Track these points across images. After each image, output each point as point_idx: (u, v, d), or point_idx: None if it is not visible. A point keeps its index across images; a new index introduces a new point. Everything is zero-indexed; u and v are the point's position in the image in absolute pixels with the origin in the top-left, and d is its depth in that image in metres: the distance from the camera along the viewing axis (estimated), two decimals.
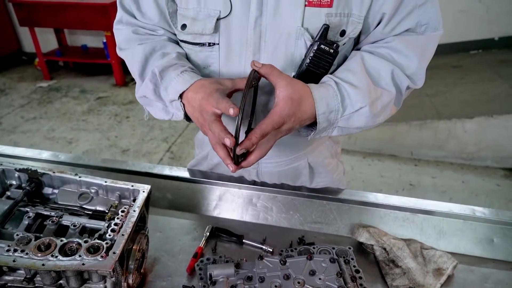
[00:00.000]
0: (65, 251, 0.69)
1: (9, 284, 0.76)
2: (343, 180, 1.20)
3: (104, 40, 4.61)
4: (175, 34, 0.94)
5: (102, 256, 0.68)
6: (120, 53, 0.98)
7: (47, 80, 4.94)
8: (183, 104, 0.84)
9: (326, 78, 0.84)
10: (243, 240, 0.96)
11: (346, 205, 1.03)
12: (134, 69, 0.92)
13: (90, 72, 5.12)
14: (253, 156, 0.79)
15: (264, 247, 0.94)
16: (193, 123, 0.92)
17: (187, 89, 0.81)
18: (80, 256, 0.68)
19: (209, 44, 0.86)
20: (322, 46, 0.78)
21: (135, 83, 0.96)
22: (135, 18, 0.94)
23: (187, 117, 0.88)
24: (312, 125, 0.83)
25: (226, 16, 0.82)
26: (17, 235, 0.71)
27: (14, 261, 0.66)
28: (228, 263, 0.85)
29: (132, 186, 0.87)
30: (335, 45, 0.79)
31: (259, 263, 0.83)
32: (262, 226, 1.04)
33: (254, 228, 1.02)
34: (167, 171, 1.14)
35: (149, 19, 0.93)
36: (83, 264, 0.67)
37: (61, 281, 0.76)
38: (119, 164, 1.15)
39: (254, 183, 1.12)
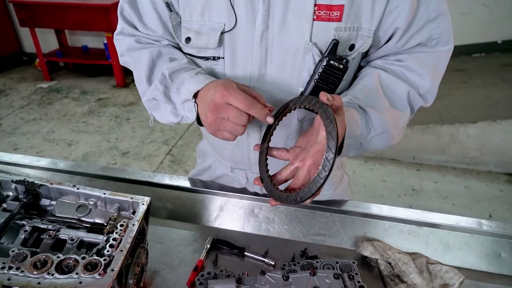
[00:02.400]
0: (62, 268, 0.67)
1: None
2: (347, 191, 1.18)
3: (105, 41, 4.59)
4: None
5: (100, 274, 0.66)
6: (123, 60, 0.95)
7: (48, 80, 4.92)
8: (197, 105, 0.79)
9: (347, 99, 0.81)
10: (245, 253, 0.94)
11: (350, 217, 1.01)
12: (140, 73, 0.88)
13: (91, 73, 5.11)
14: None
15: (266, 260, 0.92)
16: (200, 128, 0.91)
17: (202, 88, 0.77)
18: (77, 273, 0.66)
19: (214, 58, 0.84)
20: (332, 62, 0.76)
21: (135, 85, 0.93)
22: (136, 29, 0.92)
23: (198, 120, 0.82)
24: None
25: (231, 29, 0.79)
26: (13, 251, 0.69)
27: (9, 279, 0.64)
28: (230, 278, 0.83)
29: (131, 198, 0.85)
30: (344, 60, 0.76)
31: (261, 278, 0.81)
32: (264, 237, 1.02)
33: (256, 240, 1.00)
34: (167, 180, 1.12)
35: (152, 31, 0.90)
36: (80, 282, 0.65)
37: None
38: (118, 173, 1.13)
39: (255, 194, 1.10)
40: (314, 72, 0.78)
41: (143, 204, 0.84)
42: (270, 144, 0.79)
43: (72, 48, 5.26)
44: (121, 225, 0.78)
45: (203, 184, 1.12)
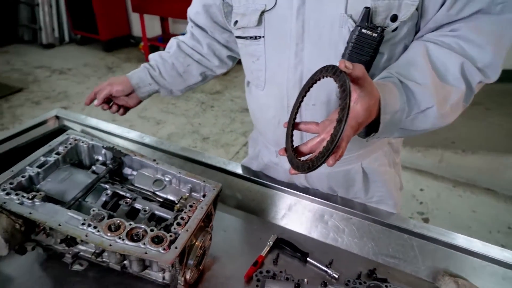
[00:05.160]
0: (132, 236, 0.70)
1: (81, 253, 0.81)
2: (398, 195, 1.06)
3: None
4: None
5: (164, 249, 0.67)
6: None
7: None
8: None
9: (386, 74, 0.74)
10: (308, 258, 0.89)
11: (432, 245, 0.89)
12: None
13: None
14: (333, 160, 0.67)
15: (329, 271, 0.86)
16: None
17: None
18: (144, 244, 0.68)
19: (256, 37, 0.87)
20: (364, 31, 0.70)
21: (225, 74, 1.14)
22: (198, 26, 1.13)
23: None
24: (373, 125, 0.73)
25: (271, 9, 0.81)
26: (93, 210, 0.74)
27: (86, 235, 0.69)
28: (288, 281, 0.79)
29: (204, 181, 0.86)
30: (379, 29, 0.70)
31: None
32: (330, 247, 0.95)
33: (321, 248, 0.94)
34: (240, 170, 1.11)
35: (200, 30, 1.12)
36: (146, 253, 0.67)
37: (125, 262, 0.78)
38: (195, 155, 1.17)
39: (307, 191, 1.05)
40: (347, 43, 0.73)
41: (214, 189, 0.85)
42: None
43: (173, 35, 5.65)
44: (191, 206, 0.79)
45: (274, 180, 1.09)
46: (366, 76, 0.63)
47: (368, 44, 0.71)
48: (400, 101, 0.69)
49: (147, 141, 1.24)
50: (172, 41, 1.16)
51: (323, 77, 0.68)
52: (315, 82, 0.70)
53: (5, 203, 0.72)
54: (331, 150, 0.59)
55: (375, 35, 0.71)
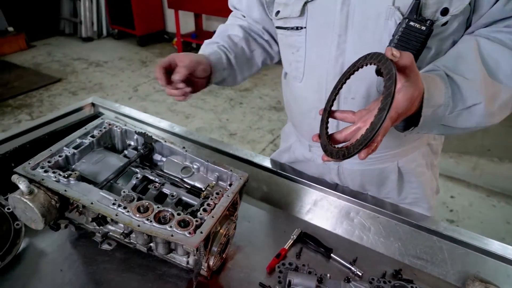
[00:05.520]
0: (159, 219, 0.72)
1: (110, 233, 0.84)
2: (433, 198, 1.02)
3: None
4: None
5: (190, 233, 0.69)
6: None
7: None
8: None
9: (433, 67, 0.71)
10: (331, 255, 0.88)
11: (462, 249, 0.86)
12: None
13: None
14: (365, 153, 0.65)
15: (353, 268, 0.85)
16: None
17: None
18: (171, 227, 0.69)
19: (297, 28, 0.86)
20: (412, 23, 0.67)
21: (255, 73, 1.10)
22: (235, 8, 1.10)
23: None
24: (413, 119, 0.70)
25: None
26: (124, 191, 0.76)
27: (116, 215, 0.71)
28: (311, 275, 0.78)
29: (231, 171, 0.86)
30: (428, 22, 0.66)
31: (344, 285, 0.75)
32: (354, 244, 0.94)
33: (345, 245, 0.93)
34: (267, 163, 1.12)
35: (251, 12, 1.04)
36: (172, 235, 0.68)
37: (151, 244, 0.80)
38: (223, 146, 1.18)
39: (336, 187, 1.03)
40: (393, 36, 0.70)
41: (240, 178, 0.85)
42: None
43: (205, 32, 5.73)
44: (217, 193, 0.80)
45: (301, 174, 1.08)
46: (414, 66, 0.61)
47: (415, 37, 0.69)
48: (445, 96, 0.67)
49: (177, 131, 1.27)
50: (231, 25, 1.05)
51: (366, 65, 0.66)
52: (357, 70, 0.68)
53: (43, 179, 0.75)
54: (370, 138, 0.57)
55: (423, 28, 0.68)
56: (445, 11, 0.69)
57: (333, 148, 0.66)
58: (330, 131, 0.70)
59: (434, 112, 0.67)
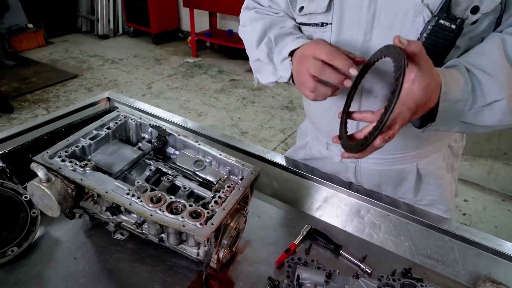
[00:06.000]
0: (171, 209, 0.73)
1: (123, 223, 0.85)
2: (452, 201, 1.01)
3: None
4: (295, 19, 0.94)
5: (201, 224, 0.70)
6: (241, 30, 1.02)
7: (194, 57, 5.52)
8: (292, 64, 0.82)
9: (454, 62, 0.70)
10: (341, 251, 0.88)
11: (474, 249, 0.85)
12: (252, 39, 0.94)
13: (230, 55, 5.52)
14: (380, 140, 0.65)
15: (362, 265, 0.85)
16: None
17: (298, 47, 0.79)
18: (182, 217, 0.71)
19: (322, 24, 0.83)
20: (441, 21, 0.66)
21: None
22: (259, 4, 1.00)
23: (293, 80, 0.85)
24: (432, 115, 0.69)
25: None
26: (138, 182, 0.78)
27: (130, 204, 0.73)
28: (320, 270, 0.79)
29: (242, 165, 0.87)
30: (458, 20, 0.65)
31: (353, 281, 0.75)
32: (364, 242, 0.94)
33: (355, 242, 0.92)
34: (279, 159, 1.12)
35: (277, 5, 0.96)
36: (183, 225, 0.70)
37: (162, 235, 0.81)
38: (235, 142, 1.19)
39: (350, 185, 1.03)
40: (421, 34, 0.69)
41: (252, 173, 0.86)
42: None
43: (219, 31, 5.76)
44: (229, 186, 0.80)
45: (312, 171, 1.08)
46: (423, 53, 0.61)
47: (444, 36, 0.67)
48: (463, 91, 0.66)
49: (189, 126, 1.28)
50: (274, 18, 0.94)
51: (377, 60, 0.66)
52: (370, 67, 0.69)
53: (60, 168, 0.77)
54: (385, 121, 0.57)
55: (453, 26, 0.66)
56: (475, 9, 0.68)
57: (351, 143, 0.66)
58: (350, 131, 0.70)
59: (452, 107, 0.66)
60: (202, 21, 5.69)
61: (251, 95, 4.37)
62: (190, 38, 5.62)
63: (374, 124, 0.64)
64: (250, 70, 5.08)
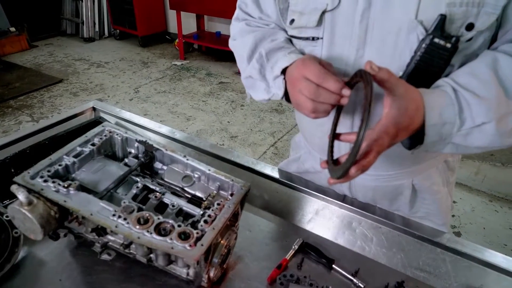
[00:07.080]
0: (159, 230, 0.71)
1: (110, 243, 0.83)
2: (448, 215, 1.01)
3: None
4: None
5: (190, 245, 0.68)
6: (232, 44, 1.00)
7: (181, 59, 5.47)
8: (285, 82, 0.80)
9: (441, 82, 0.68)
10: (333, 266, 0.87)
11: (466, 262, 0.85)
12: (243, 53, 0.92)
13: (218, 57, 5.50)
14: (355, 169, 0.65)
15: (355, 280, 0.84)
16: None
17: (290, 65, 0.78)
18: (171, 239, 0.69)
19: (313, 38, 0.81)
20: (436, 40, 0.64)
21: None
22: (249, 15, 0.98)
23: (286, 97, 0.84)
24: (420, 136, 0.68)
25: (333, 9, 0.75)
26: (124, 202, 0.75)
27: (116, 226, 0.70)
28: (312, 287, 0.78)
29: (232, 180, 0.86)
30: (453, 38, 0.64)
31: None
32: (356, 255, 0.93)
33: (347, 255, 0.92)
34: (269, 170, 1.11)
35: (267, 16, 0.94)
36: (172, 248, 0.67)
37: (151, 255, 0.79)
38: (225, 153, 1.17)
39: (344, 198, 1.02)
40: (415, 52, 0.68)
41: (242, 188, 0.84)
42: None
43: (207, 33, 5.73)
44: (218, 204, 0.79)
45: (303, 183, 1.07)
46: (394, 78, 0.61)
47: (439, 55, 0.66)
48: (450, 112, 0.65)
49: (177, 137, 1.26)
50: (264, 31, 0.91)
51: (354, 84, 0.66)
52: (352, 88, 0.68)
53: (42, 189, 0.74)
54: (354, 154, 0.57)
55: (448, 45, 0.65)
56: (470, 26, 0.66)
57: (335, 167, 0.65)
58: (344, 152, 0.69)
59: (439, 130, 0.65)
60: (189, 23, 5.66)
61: (240, 98, 4.35)
62: (177, 40, 5.57)
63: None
64: (238, 73, 5.06)
